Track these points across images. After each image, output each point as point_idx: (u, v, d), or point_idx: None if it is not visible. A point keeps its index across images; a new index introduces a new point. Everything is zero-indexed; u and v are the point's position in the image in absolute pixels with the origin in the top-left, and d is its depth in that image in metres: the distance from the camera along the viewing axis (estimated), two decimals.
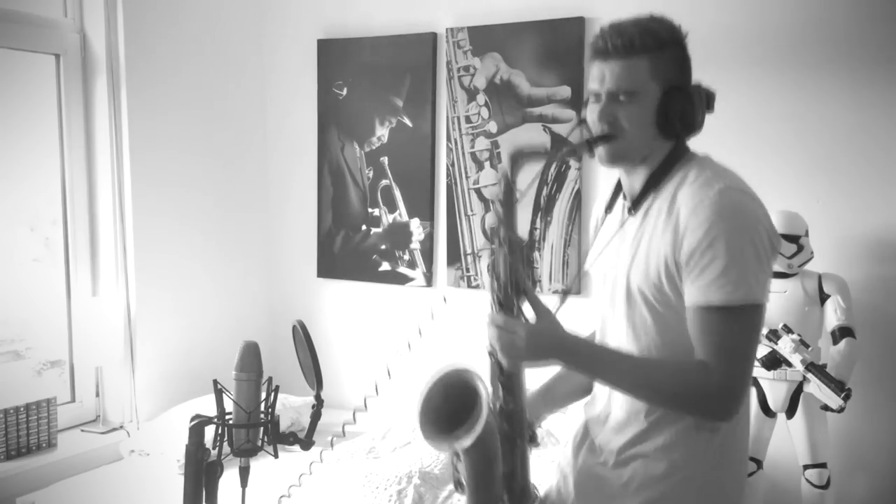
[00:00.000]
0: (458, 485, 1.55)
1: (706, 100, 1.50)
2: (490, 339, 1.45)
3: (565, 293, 1.60)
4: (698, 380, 1.40)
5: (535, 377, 1.68)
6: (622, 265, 1.51)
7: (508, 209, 1.46)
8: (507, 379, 1.49)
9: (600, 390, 1.61)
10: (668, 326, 1.45)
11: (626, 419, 1.52)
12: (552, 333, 1.44)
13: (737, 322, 1.38)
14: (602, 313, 1.59)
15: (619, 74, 1.44)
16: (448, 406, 1.45)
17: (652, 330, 1.47)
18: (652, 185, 1.49)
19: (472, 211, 3.42)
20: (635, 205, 1.51)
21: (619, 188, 1.60)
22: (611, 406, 1.56)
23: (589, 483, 1.58)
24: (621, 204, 1.58)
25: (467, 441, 1.39)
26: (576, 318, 1.67)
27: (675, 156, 1.49)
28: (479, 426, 1.39)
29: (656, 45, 1.45)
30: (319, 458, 1.87)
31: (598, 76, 1.48)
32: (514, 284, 1.45)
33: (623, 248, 1.52)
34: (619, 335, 1.53)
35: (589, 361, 1.46)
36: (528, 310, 1.48)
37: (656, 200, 1.48)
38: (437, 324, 1.58)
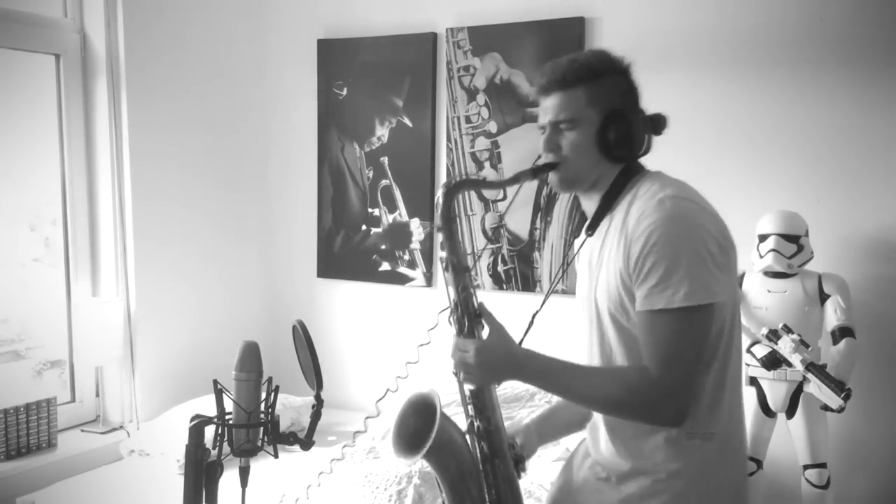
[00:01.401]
0: None
1: (652, 123, 1.55)
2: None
3: (533, 316, 1.63)
4: (640, 384, 1.42)
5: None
6: (590, 285, 1.55)
7: (449, 234, 1.52)
8: (475, 399, 1.54)
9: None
10: (633, 342, 1.47)
11: (615, 435, 1.53)
12: (501, 348, 1.48)
13: (679, 324, 1.39)
14: (583, 336, 1.62)
15: (557, 105, 1.52)
16: (420, 425, 1.52)
17: (619, 347, 1.49)
18: (605, 206, 1.54)
19: (471, 211, 3.43)
20: (592, 227, 1.57)
21: (583, 215, 1.65)
22: (600, 422, 1.57)
23: (590, 499, 1.58)
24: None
25: (423, 449, 1.46)
26: (570, 321, 1.68)
27: (625, 177, 1.54)
28: (430, 436, 1.46)
29: (591, 75, 1.51)
30: (329, 469, 1.88)
31: (543, 110, 1.56)
32: (464, 304, 1.51)
33: (590, 268, 1.57)
34: (593, 355, 1.56)
35: (540, 374, 1.49)
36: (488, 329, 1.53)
37: (613, 220, 1.52)
38: (440, 334, 1.60)
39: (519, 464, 1.61)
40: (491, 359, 1.46)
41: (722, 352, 1.46)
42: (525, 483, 2.56)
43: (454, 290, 1.52)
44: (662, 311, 1.39)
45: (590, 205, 1.59)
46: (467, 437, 1.56)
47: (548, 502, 1.71)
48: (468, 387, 1.54)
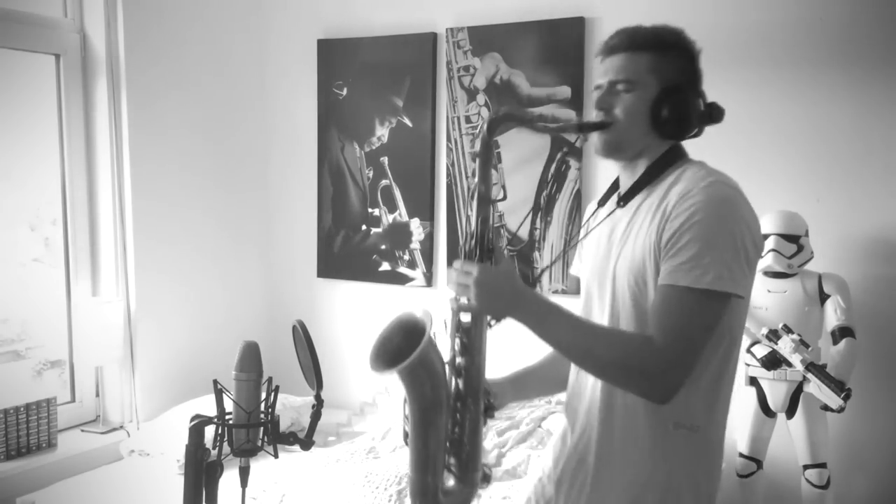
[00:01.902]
0: (405, 436, 1.56)
1: (710, 110, 1.52)
2: (450, 285, 1.48)
3: (542, 272, 1.61)
4: (641, 350, 1.40)
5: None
6: (611, 256, 1.53)
7: (484, 162, 1.49)
8: (465, 335, 1.50)
9: (574, 391, 1.61)
10: (645, 317, 1.45)
11: (598, 423, 1.52)
12: (505, 277, 1.44)
13: (697, 305, 1.38)
14: (586, 303, 1.60)
15: (619, 66, 1.50)
16: (404, 345, 1.48)
17: (630, 320, 1.47)
18: (645, 180, 1.51)
19: (472, 211, 3.42)
20: (626, 198, 1.54)
21: (614, 185, 1.63)
22: (581, 409, 1.56)
23: (572, 489, 1.57)
24: (615, 199, 1.60)
25: (401, 366, 1.43)
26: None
27: (671, 156, 1.52)
28: (414, 354, 1.42)
29: (659, 44, 1.50)
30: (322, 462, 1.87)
31: (603, 70, 1.53)
32: (481, 235, 1.48)
33: (612, 240, 1.54)
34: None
35: (539, 315, 1.44)
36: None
37: (649, 197, 1.50)
38: (439, 329, 1.58)
39: (487, 410, 1.58)
40: (493, 284, 1.42)
41: (727, 346, 1.46)
42: (524, 483, 2.56)
43: (474, 219, 1.49)
44: (685, 289, 1.38)
45: (627, 176, 1.56)
46: (447, 369, 1.52)
47: (530, 492, 1.69)
48: (462, 317, 1.49)
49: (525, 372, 1.76)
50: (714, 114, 1.53)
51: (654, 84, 1.48)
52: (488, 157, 1.50)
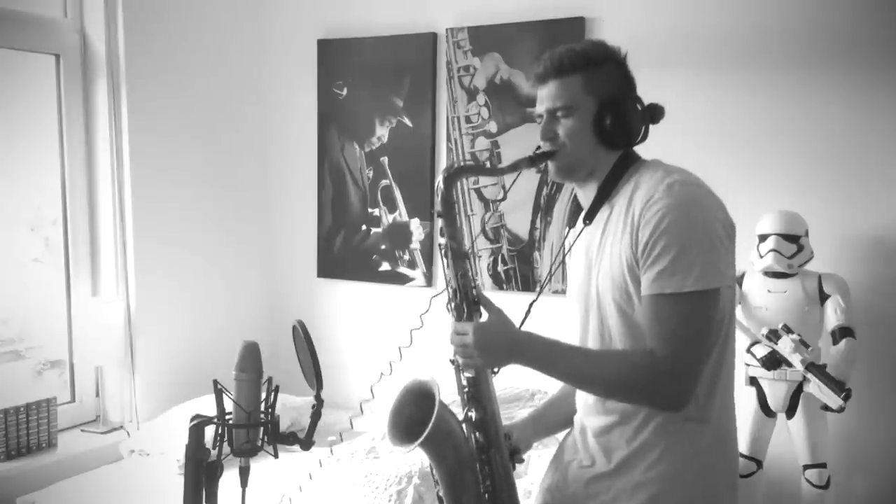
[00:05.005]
0: (440, 500, 1.58)
1: (649, 112, 1.55)
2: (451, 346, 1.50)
3: (530, 305, 1.63)
4: (645, 367, 1.41)
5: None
6: (591, 275, 1.54)
7: (449, 220, 1.52)
8: (472, 387, 1.53)
9: (581, 398, 1.61)
10: (636, 330, 1.46)
11: (606, 423, 1.52)
12: (502, 330, 1.47)
13: (686, 308, 1.39)
14: (577, 326, 1.61)
15: (554, 93, 1.53)
16: (417, 414, 1.51)
17: (621, 336, 1.48)
18: (604, 194, 1.54)
19: (472, 211, 3.42)
20: (590, 215, 1.56)
21: (577, 205, 1.65)
22: (590, 411, 1.56)
23: (582, 492, 1.56)
24: (582, 218, 1.62)
25: (422, 437, 1.45)
26: (563, 320, 1.68)
27: (623, 165, 1.54)
28: (430, 424, 1.45)
29: (587, 63, 1.52)
30: (319, 464, 1.87)
31: (539, 99, 1.56)
32: (464, 291, 1.50)
33: (589, 258, 1.56)
34: (592, 345, 1.55)
35: (541, 357, 1.47)
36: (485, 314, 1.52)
37: (614, 208, 1.51)
38: (435, 325, 1.59)
39: (514, 455, 1.61)
40: (490, 340, 1.45)
41: (724, 333, 1.47)
42: (525, 483, 2.56)
43: (453, 277, 1.51)
44: (672, 295, 1.39)
45: (587, 194, 1.58)
46: (463, 426, 1.55)
47: (538, 500, 1.69)
48: (466, 374, 1.52)
49: (545, 408, 1.77)
50: (655, 114, 1.56)
51: (591, 103, 1.51)
52: (451, 213, 1.52)
